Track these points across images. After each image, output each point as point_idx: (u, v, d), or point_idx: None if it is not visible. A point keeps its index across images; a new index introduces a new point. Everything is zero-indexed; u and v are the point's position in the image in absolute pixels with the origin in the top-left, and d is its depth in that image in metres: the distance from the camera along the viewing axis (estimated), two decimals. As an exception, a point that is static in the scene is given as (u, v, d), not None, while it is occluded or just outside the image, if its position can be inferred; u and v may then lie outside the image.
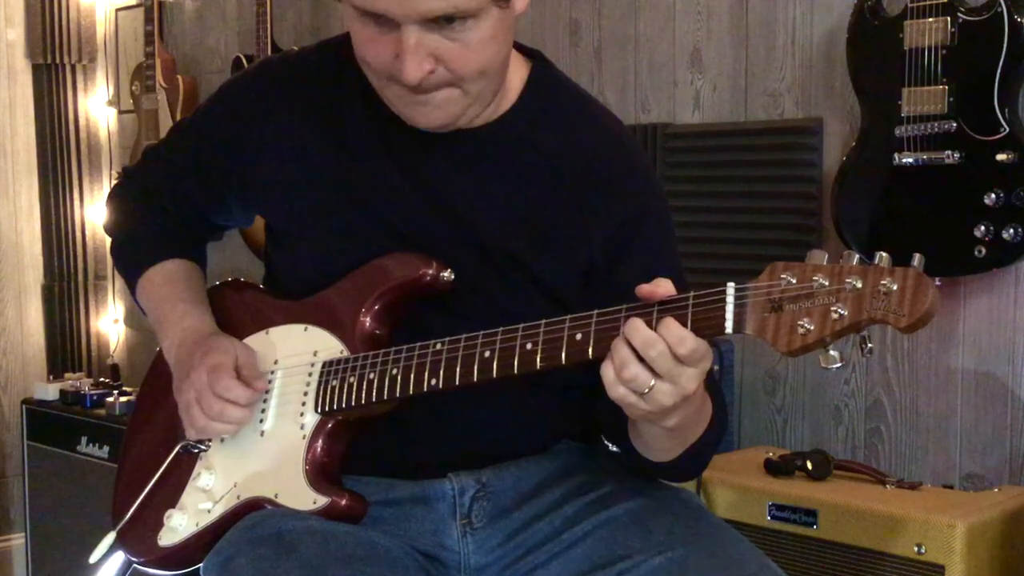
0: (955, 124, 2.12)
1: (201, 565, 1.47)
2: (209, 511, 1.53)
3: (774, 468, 2.20)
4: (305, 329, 1.53)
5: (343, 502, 1.45)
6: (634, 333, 1.22)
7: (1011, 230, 2.07)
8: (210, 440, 1.55)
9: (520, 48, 1.53)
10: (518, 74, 1.51)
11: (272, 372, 1.55)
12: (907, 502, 2.03)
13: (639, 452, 1.42)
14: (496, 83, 1.43)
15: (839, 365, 1.15)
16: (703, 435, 1.38)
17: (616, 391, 1.24)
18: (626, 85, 2.79)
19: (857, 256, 1.15)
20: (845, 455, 2.42)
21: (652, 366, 1.21)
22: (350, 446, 1.50)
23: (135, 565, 1.64)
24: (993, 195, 2.09)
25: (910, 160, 2.17)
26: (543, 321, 1.31)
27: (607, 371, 1.24)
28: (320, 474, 1.47)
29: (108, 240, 1.78)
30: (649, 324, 1.22)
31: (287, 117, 1.53)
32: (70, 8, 4.07)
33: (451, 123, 1.42)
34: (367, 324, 1.48)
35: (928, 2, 2.12)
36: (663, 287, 1.24)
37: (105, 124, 4.20)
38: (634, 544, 1.39)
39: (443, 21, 1.31)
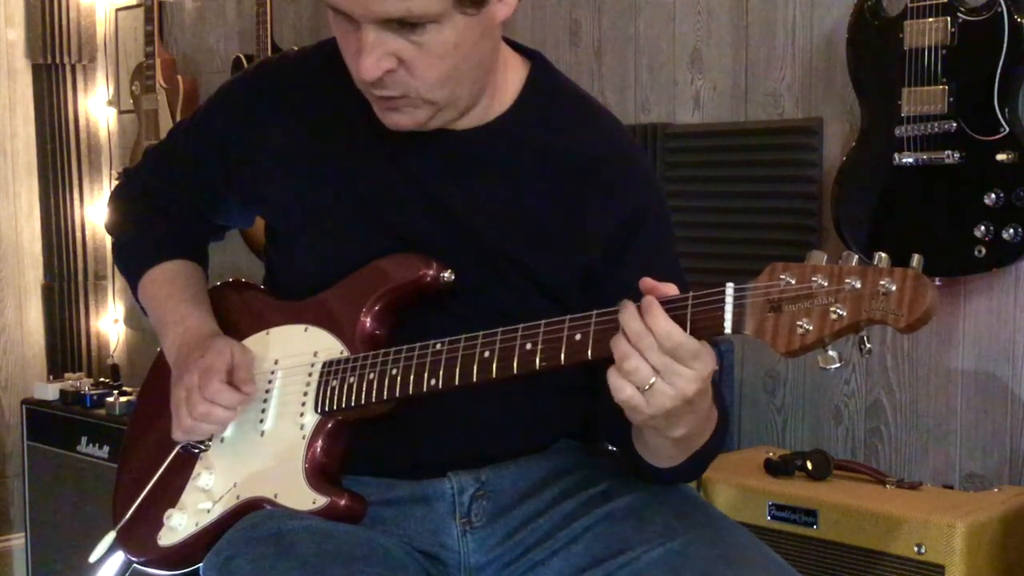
0: (955, 124, 2.12)
1: (201, 565, 1.47)
2: (209, 511, 1.53)
3: (774, 468, 2.20)
4: (305, 329, 1.53)
5: (342, 502, 1.45)
6: (629, 320, 1.21)
7: (1011, 230, 2.07)
8: (210, 440, 1.56)
9: (519, 48, 1.53)
10: (517, 75, 1.50)
11: (272, 372, 1.55)
12: (907, 502, 2.03)
13: (642, 457, 1.41)
14: (468, 89, 1.41)
15: (838, 365, 1.15)
16: (706, 442, 1.38)
17: (624, 392, 1.22)
18: (626, 85, 2.79)
19: (856, 256, 1.15)
20: (845, 455, 2.42)
21: (645, 357, 1.20)
22: (350, 446, 1.50)
23: (135, 565, 1.64)
24: (993, 195, 2.09)
25: (910, 160, 2.17)
26: (542, 321, 1.31)
27: (612, 373, 1.23)
28: (320, 474, 1.47)
29: (109, 240, 1.79)
30: None
31: (285, 118, 1.53)
32: (70, 8, 4.07)
33: (421, 127, 1.42)
34: (367, 324, 1.48)
35: (928, 2, 2.12)
36: (663, 288, 1.24)
37: (105, 124, 4.20)
38: (633, 537, 1.39)
39: (404, 24, 1.31)
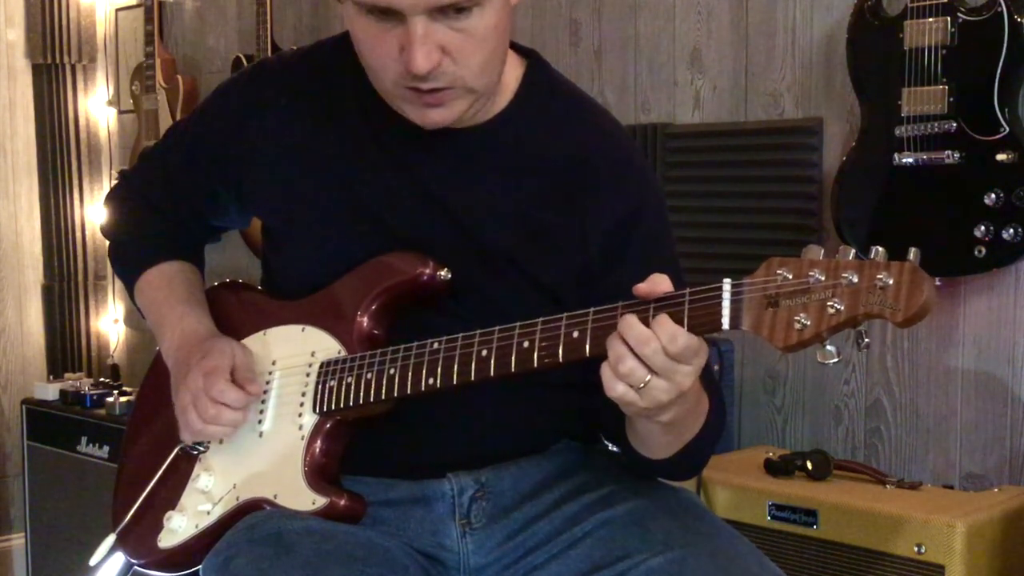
0: (955, 124, 2.11)
1: (201, 566, 1.47)
2: (208, 512, 1.53)
3: (774, 468, 2.20)
4: (303, 329, 1.53)
5: (342, 502, 1.45)
6: (628, 330, 1.22)
7: (1011, 230, 2.07)
8: (209, 441, 1.55)
9: (516, 47, 1.53)
10: (513, 73, 1.50)
11: (270, 373, 1.55)
12: (907, 502, 2.03)
13: (636, 450, 1.42)
14: (496, 76, 1.43)
15: (836, 360, 1.15)
16: (700, 433, 1.38)
17: (616, 390, 1.23)
18: (626, 85, 2.79)
19: (853, 251, 1.15)
20: (845, 455, 2.41)
21: (647, 363, 1.21)
22: (349, 446, 1.49)
23: (135, 567, 1.63)
24: (993, 195, 2.09)
25: (910, 160, 2.17)
26: (540, 319, 1.31)
27: (605, 370, 1.24)
28: (319, 474, 1.47)
29: (107, 242, 1.78)
30: (645, 321, 1.22)
31: (282, 117, 1.53)
32: (70, 8, 4.07)
33: (456, 121, 1.42)
34: (364, 324, 1.47)
35: (928, 2, 2.12)
36: (659, 284, 1.24)
37: (105, 124, 4.20)
38: (633, 544, 1.38)
39: (450, 11, 1.31)
